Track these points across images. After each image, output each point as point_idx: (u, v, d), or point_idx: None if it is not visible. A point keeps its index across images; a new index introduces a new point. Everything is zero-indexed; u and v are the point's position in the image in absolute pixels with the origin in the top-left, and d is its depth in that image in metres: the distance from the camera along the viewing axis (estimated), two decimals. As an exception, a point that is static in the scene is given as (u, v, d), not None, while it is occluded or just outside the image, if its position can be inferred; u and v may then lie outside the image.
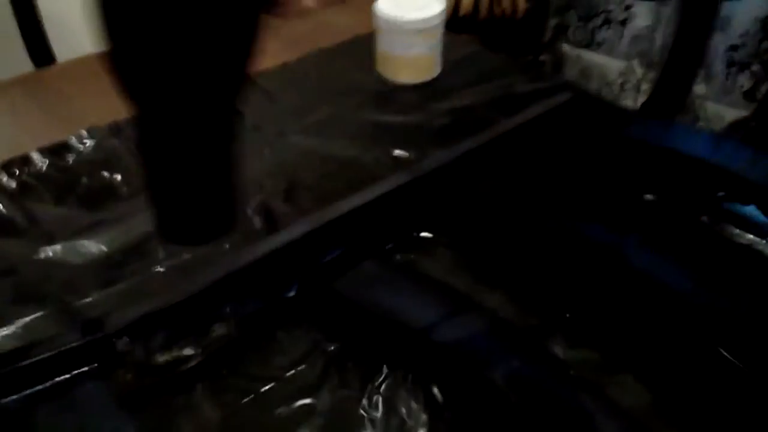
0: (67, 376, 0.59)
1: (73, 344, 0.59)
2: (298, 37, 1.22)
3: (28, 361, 0.57)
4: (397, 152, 0.94)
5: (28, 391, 0.57)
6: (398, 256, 0.79)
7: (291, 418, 0.60)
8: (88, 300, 0.69)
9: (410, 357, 0.65)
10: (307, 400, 0.62)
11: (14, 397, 0.57)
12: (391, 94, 1.08)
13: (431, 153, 0.92)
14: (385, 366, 0.64)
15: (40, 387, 0.58)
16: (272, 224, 0.82)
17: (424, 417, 0.59)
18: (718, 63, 1.65)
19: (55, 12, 1.58)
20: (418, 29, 1.02)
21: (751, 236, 0.78)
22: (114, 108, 0.46)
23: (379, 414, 0.59)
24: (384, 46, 1.06)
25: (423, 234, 0.82)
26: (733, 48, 1.74)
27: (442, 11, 1.04)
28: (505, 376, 0.61)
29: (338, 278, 0.74)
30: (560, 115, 1.01)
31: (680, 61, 1.20)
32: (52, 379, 0.59)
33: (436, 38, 1.06)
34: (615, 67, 1.64)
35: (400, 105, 1.05)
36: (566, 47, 1.97)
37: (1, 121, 1.03)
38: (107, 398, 0.58)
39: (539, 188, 0.89)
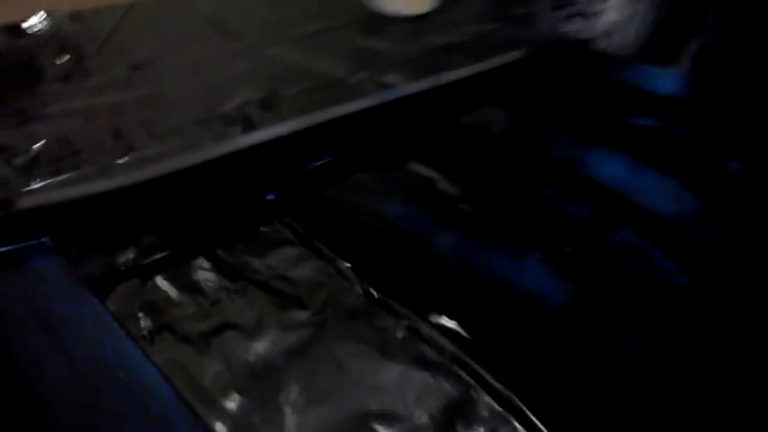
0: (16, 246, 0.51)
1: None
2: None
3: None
4: (385, 78, 0.88)
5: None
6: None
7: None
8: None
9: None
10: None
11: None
12: (382, 22, 1.02)
13: (417, 81, 0.86)
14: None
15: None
16: (249, 128, 0.75)
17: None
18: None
19: None
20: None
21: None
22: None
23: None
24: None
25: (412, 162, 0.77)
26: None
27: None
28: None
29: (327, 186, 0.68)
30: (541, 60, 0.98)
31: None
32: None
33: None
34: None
35: (391, 34, 0.99)
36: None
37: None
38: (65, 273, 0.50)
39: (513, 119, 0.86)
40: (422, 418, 0.50)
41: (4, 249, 0.50)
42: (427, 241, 0.64)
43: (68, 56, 0.82)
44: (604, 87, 0.93)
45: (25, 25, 0.84)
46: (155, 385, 0.44)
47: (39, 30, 0.84)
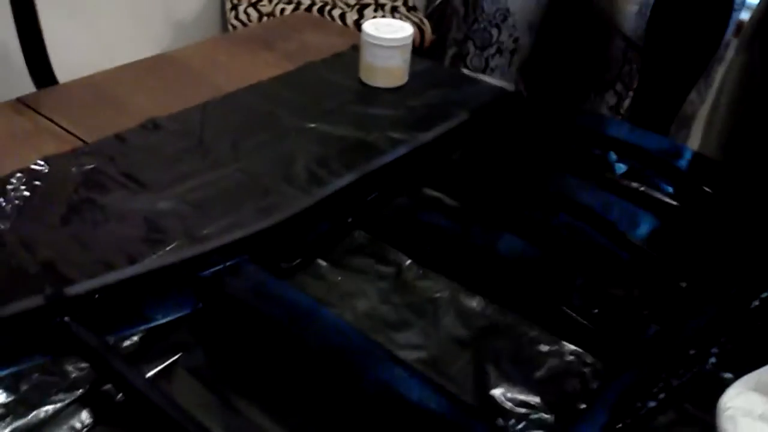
0: (237, 260, 0.89)
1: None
2: (289, 53, 1.56)
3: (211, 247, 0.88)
4: (392, 134, 1.30)
5: (217, 268, 0.88)
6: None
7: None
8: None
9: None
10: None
11: (207, 272, 0.87)
12: (374, 95, 1.44)
13: (416, 135, 1.28)
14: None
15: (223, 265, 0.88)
16: (316, 181, 1.15)
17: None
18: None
19: (58, 34, 1.80)
20: (395, 46, 1.39)
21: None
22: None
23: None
24: (368, 58, 1.42)
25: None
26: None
27: (412, 33, 1.42)
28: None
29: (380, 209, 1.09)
30: (491, 110, 1.42)
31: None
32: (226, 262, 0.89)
33: (407, 53, 1.43)
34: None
35: (384, 102, 1.41)
36: (465, 72, 2.47)
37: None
38: (265, 272, 0.89)
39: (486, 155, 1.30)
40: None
41: (230, 262, 0.89)
42: (447, 233, 1.06)
43: (183, 144, 1.20)
44: (541, 125, 1.38)
45: (150, 125, 1.21)
46: (332, 319, 0.84)
47: (153, 129, 1.22)
